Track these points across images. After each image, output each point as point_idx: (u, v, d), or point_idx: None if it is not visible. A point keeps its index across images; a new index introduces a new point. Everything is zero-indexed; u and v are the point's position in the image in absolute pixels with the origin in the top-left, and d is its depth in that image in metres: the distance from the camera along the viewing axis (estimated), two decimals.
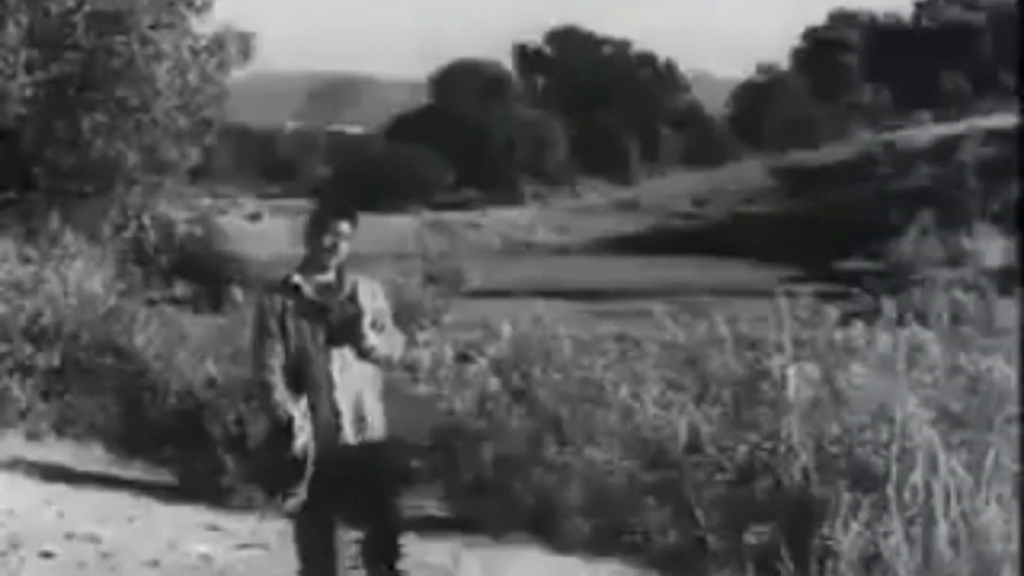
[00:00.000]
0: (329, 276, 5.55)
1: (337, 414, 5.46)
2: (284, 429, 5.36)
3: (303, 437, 5.32)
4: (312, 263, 5.57)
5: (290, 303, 5.49)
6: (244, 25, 18.39)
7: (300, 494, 5.41)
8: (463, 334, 11.66)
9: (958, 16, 71.22)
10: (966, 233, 35.35)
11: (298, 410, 5.37)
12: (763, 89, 72.69)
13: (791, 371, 8.15)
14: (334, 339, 5.46)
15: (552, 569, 7.29)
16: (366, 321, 5.43)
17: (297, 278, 5.53)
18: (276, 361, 5.45)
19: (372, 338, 5.45)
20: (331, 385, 5.47)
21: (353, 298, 5.47)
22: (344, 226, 5.54)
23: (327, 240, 5.51)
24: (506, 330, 10.59)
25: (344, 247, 5.54)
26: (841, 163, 50.94)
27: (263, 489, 5.70)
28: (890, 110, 66.98)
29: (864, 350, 9.38)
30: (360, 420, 5.51)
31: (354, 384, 5.51)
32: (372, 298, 5.56)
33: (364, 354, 5.48)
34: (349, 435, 5.48)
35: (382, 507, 5.57)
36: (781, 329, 10.08)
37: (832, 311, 10.40)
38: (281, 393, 5.39)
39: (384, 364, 5.64)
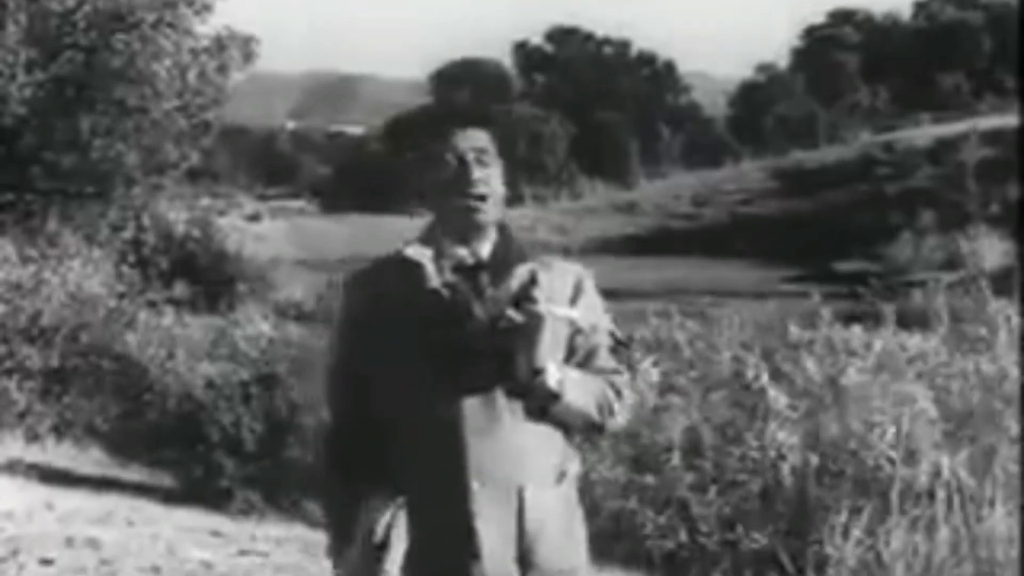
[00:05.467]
0: (481, 248, 2.88)
1: (470, 531, 2.77)
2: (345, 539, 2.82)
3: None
4: (446, 225, 2.89)
5: (400, 300, 2.83)
6: (244, 25, 18.39)
7: None
8: None
9: (957, 16, 71.22)
10: (965, 234, 35.31)
11: (381, 519, 2.76)
12: (762, 89, 72.75)
13: (791, 372, 8.14)
14: (476, 373, 2.78)
15: None
16: (545, 339, 2.73)
17: (418, 251, 2.87)
18: (357, 415, 2.91)
19: (554, 376, 2.76)
20: (459, 470, 2.77)
21: (527, 296, 2.75)
22: (486, 142, 2.94)
23: (463, 171, 2.88)
24: None
25: (499, 186, 2.91)
26: (840, 163, 50.88)
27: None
28: (889, 110, 66.99)
29: (864, 351, 9.37)
30: (526, 549, 2.82)
31: (515, 469, 2.80)
32: (571, 300, 2.89)
33: (538, 407, 2.79)
34: (500, 574, 2.80)
35: None
36: (782, 330, 10.06)
37: (832, 312, 10.38)
38: (350, 479, 2.88)
39: (583, 430, 2.93)
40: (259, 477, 9.06)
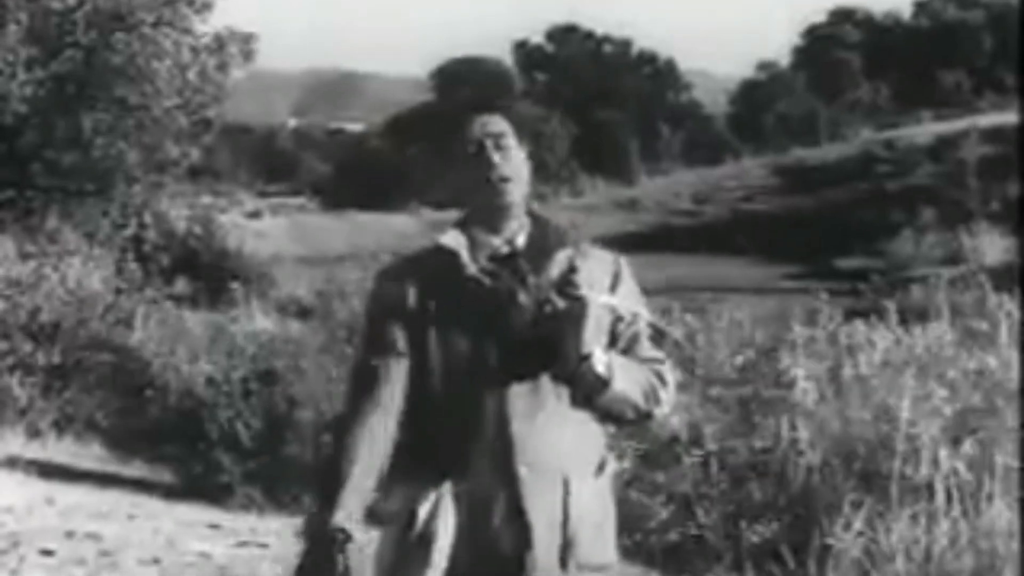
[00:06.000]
0: (515, 237, 2.87)
1: (522, 519, 2.74)
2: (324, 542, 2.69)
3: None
4: (475, 215, 2.89)
5: (436, 291, 2.82)
6: (244, 23, 18.44)
7: None
8: None
9: (958, 14, 71.24)
10: (966, 231, 35.31)
11: (424, 505, 2.72)
12: (763, 87, 72.72)
13: (793, 368, 8.14)
14: (518, 361, 2.76)
15: None
16: (589, 326, 2.71)
17: (455, 239, 2.86)
18: (375, 412, 2.78)
19: (602, 361, 2.73)
20: (507, 456, 2.74)
21: (569, 281, 2.76)
22: (503, 126, 2.88)
23: (480, 156, 2.85)
24: None
25: (521, 168, 2.89)
26: (841, 161, 50.83)
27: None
28: (890, 108, 66.96)
29: (867, 348, 9.37)
30: (568, 540, 2.77)
31: (559, 457, 2.77)
32: (610, 287, 2.89)
33: (583, 396, 2.75)
34: (545, 565, 2.76)
35: None
36: (783, 326, 10.05)
37: (834, 308, 10.37)
38: (351, 472, 2.72)
39: (628, 417, 2.84)
40: (259, 473, 9.06)
